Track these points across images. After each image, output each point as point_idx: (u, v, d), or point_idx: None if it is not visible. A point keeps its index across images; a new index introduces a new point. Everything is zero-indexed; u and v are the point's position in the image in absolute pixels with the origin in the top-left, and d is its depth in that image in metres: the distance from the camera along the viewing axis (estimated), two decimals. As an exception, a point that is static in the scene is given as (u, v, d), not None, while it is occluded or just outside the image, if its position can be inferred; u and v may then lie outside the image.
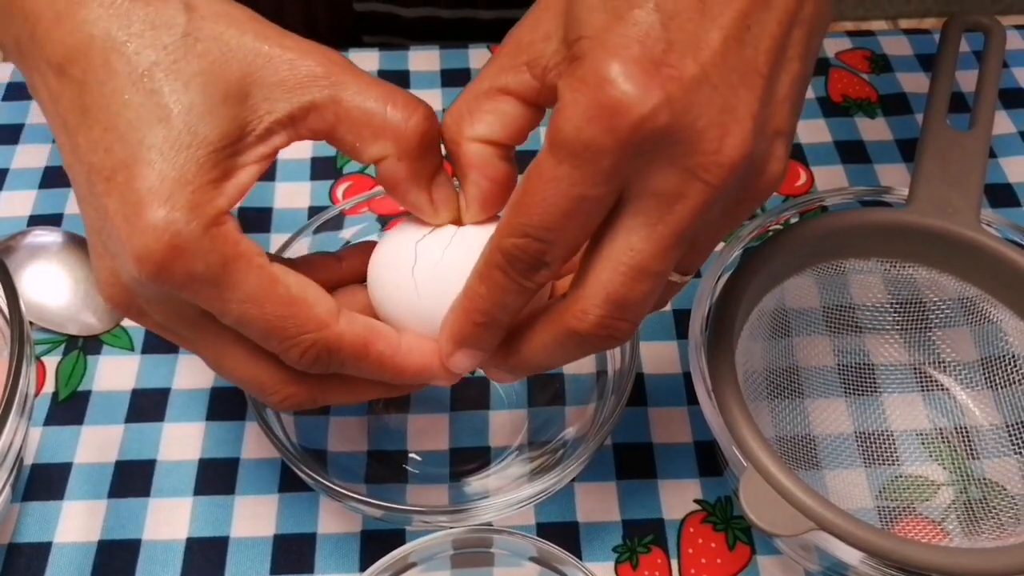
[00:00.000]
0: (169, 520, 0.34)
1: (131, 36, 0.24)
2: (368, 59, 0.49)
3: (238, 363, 0.26)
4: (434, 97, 0.48)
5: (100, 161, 0.23)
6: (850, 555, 0.28)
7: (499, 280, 0.24)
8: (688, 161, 0.21)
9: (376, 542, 0.34)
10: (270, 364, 0.26)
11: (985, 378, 0.37)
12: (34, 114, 0.47)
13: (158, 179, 0.23)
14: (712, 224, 0.23)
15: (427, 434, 0.37)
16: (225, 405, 0.37)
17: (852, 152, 0.46)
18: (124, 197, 0.23)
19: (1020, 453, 0.35)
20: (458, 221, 0.27)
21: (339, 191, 0.45)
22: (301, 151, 0.46)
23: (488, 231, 0.25)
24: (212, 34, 0.24)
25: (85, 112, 0.24)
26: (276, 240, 0.42)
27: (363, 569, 0.33)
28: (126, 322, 0.40)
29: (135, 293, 0.25)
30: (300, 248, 0.36)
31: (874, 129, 0.47)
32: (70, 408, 0.37)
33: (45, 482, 0.35)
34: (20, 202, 0.44)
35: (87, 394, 0.38)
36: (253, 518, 0.34)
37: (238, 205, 0.25)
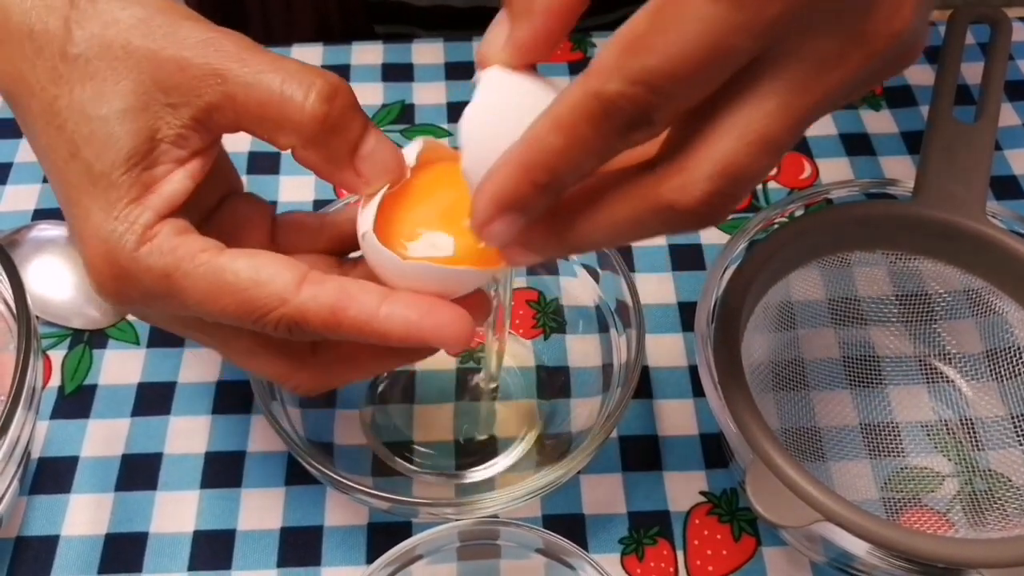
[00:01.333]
0: (176, 513, 0.34)
1: (33, 70, 0.24)
2: (372, 52, 0.49)
3: (242, 357, 0.26)
4: (439, 90, 0.48)
5: (55, 192, 0.24)
6: (856, 546, 0.28)
7: (584, 134, 0.20)
8: (860, 26, 0.19)
9: (383, 534, 0.34)
10: (271, 354, 0.26)
11: (990, 370, 0.37)
12: (38, 108, 0.47)
13: (85, 214, 0.23)
14: (842, 98, 0.20)
15: (433, 426, 0.37)
16: (231, 398, 0.37)
17: (857, 144, 0.46)
18: (72, 231, 0.24)
19: (1025, 445, 0.35)
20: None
21: (343, 184, 0.45)
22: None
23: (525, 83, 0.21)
24: (98, 48, 0.23)
25: (32, 143, 0.25)
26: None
27: (370, 561, 0.33)
28: (131, 316, 0.40)
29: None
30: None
31: (879, 121, 0.47)
32: (76, 402, 0.37)
33: (52, 475, 0.35)
34: (24, 196, 0.44)
35: (93, 388, 0.38)
36: (260, 511, 0.35)
37: (173, 210, 0.24)
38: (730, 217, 0.43)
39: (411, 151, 0.26)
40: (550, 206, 0.22)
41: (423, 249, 0.25)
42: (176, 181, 0.24)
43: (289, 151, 0.25)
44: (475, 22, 0.55)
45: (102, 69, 0.23)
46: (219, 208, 0.28)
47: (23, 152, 0.46)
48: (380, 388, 0.38)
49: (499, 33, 0.23)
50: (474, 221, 0.22)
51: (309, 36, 0.53)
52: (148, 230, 0.23)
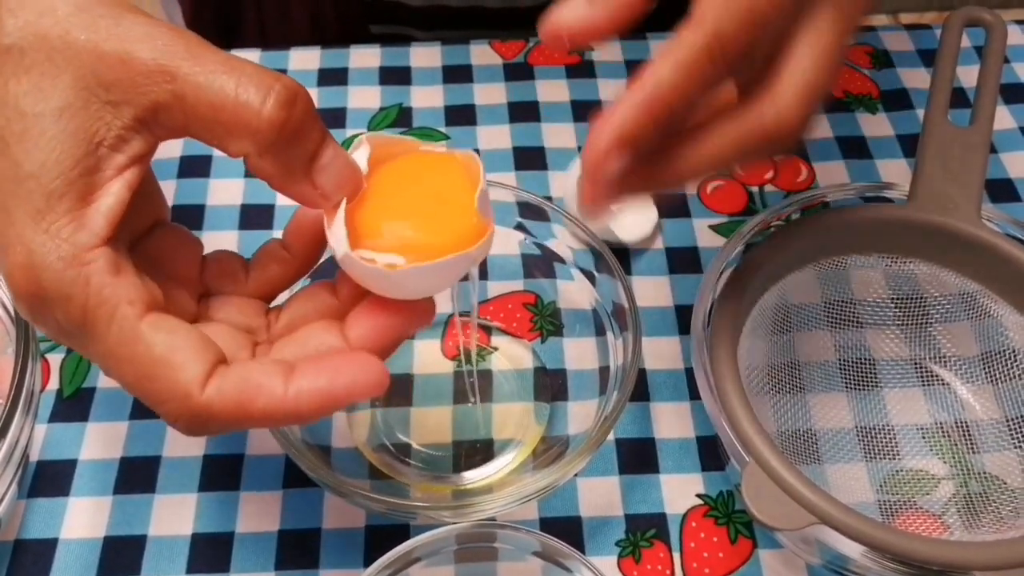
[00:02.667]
0: (174, 516, 0.35)
1: None
2: (370, 55, 0.50)
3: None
4: (436, 93, 0.48)
5: None
6: (851, 548, 0.28)
7: (704, 69, 0.24)
8: None
9: (380, 537, 0.34)
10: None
11: (985, 373, 0.37)
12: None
13: (8, 218, 0.21)
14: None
15: (430, 428, 0.37)
16: (229, 401, 0.38)
17: (853, 147, 0.46)
18: None
19: (1020, 447, 0.35)
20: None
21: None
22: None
23: None
24: (33, 38, 0.22)
25: None
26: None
27: (367, 564, 0.33)
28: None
29: None
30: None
31: (875, 124, 0.47)
32: (75, 405, 0.37)
33: (51, 478, 0.35)
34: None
35: (91, 391, 0.38)
36: (258, 514, 0.35)
37: (112, 230, 0.22)
38: (726, 220, 0.43)
39: (361, 156, 0.25)
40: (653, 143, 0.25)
41: (397, 248, 0.24)
42: (113, 193, 0.22)
43: (242, 159, 0.23)
44: (471, 22, 0.55)
45: (39, 62, 0.21)
46: (150, 234, 0.25)
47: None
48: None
49: (575, 6, 0.25)
50: (590, 159, 0.24)
51: (304, 36, 0.53)
52: (83, 253, 0.21)
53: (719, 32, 0.23)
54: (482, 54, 0.50)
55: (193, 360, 0.22)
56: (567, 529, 0.34)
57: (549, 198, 0.43)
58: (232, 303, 0.26)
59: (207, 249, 0.27)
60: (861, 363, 0.38)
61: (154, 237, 0.25)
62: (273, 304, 0.27)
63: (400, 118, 0.47)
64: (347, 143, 0.46)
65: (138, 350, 0.21)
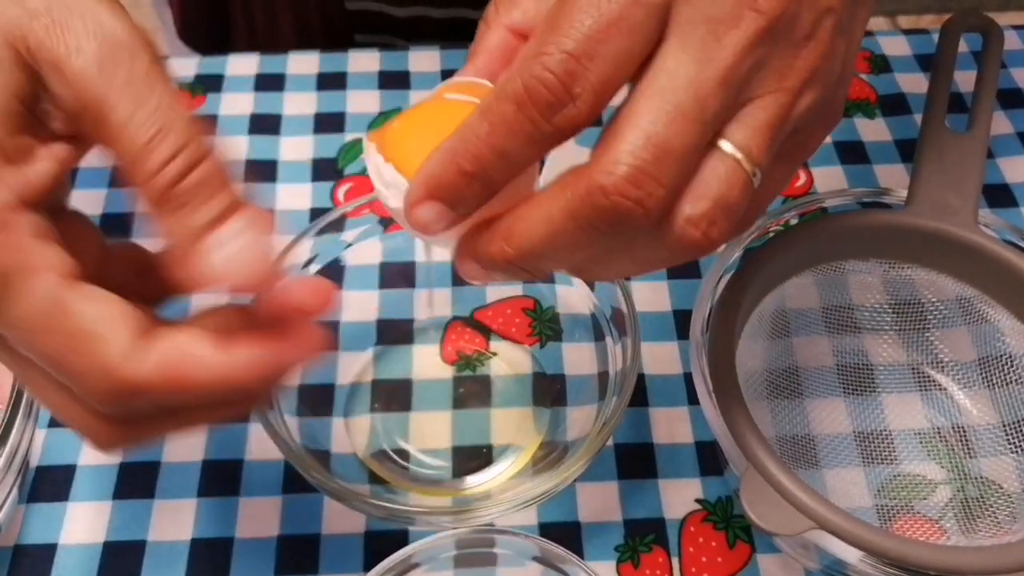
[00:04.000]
0: (174, 521, 0.35)
1: None
2: (368, 59, 0.50)
3: (40, 393, 0.21)
4: (435, 98, 0.48)
5: None
6: (849, 553, 0.29)
7: (509, 116, 0.20)
8: None
9: (379, 542, 0.34)
10: (73, 399, 0.21)
11: (982, 378, 0.37)
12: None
13: None
14: (764, 79, 0.21)
15: (429, 434, 0.37)
16: (228, 406, 0.38)
17: (851, 153, 0.46)
18: None
19: (1017, 452, 0.35)
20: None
21: (340, 193, 0.45)
22: (302, 152, 0.46)
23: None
24: None
25: None
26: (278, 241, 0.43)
27: (367, 569, 0.33)
28: None
29: None
30: (303, 251, 0.36)
31: (873, 130, 0.47)
32: (74, 410, 0.37)
33: (50, 484, 0.35)
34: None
35: (91, 395, 0.38)
36: (257, 519, 0.35)
37: (36, 196, 0.20)
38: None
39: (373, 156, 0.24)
40: (482, 204, 0.21)
41: None
42: (42, 159, 0.20)
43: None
44: (453, 32, 0.56)
45: None
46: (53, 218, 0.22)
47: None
48: (377, 396, 0.38)
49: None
50: (405, 204, 0.22)
51: (291, 46, 0.53)
52: (4, 212, 0.19)
53: (521, 73, 0.19)
54: (481, 59, 0.50)
55: (121, 331, 0.20)
56: (566, 534, 0.34)
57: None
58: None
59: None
60: (859, 368, 0.38)
61: (59, 222, 0.22)
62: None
63: (399, 123, 0.47)
64: (347, 147, 0.46)
65: (62, 321, 0.19)
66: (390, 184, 0.23)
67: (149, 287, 0.24)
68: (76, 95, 0.20)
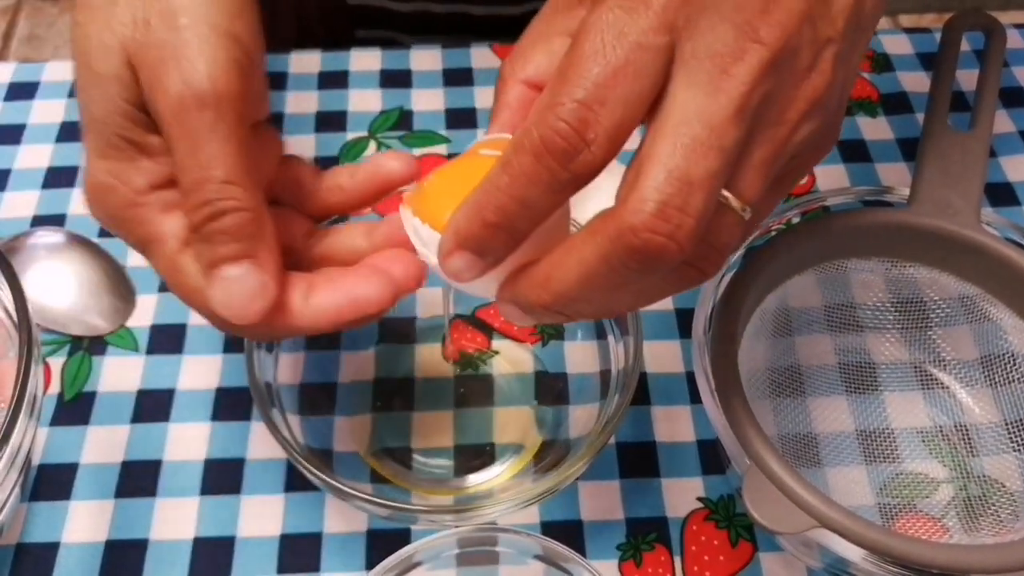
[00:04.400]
0: (176, 520, 0.35)
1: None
2: (370, 58, 0.50)
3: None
4: (437, 96, 0.48)
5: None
6: (851, 552, 0.29)
7: (527, 167, 0.20)
8: (739, 17, 0.20)
9: (382, 541, 0.34)
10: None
11: (985, 376, 0.37)
12: (36, 114, 0.47)
13: (87, 149, 0.25)
14: (767, 112, 0.21)
15: (431, 432, 0.37)
16: (230, 405, 0.38)
17: (854, 151, 0.46)
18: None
19: (1019, 451, 0.35)
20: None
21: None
22: (304, 151, 0.46)
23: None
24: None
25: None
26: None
27: (369, 568, 0.33)
28: (131, 323, 0.40)
29: None
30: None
31: (875, 128, 0.47)
32: (76, 409, 0.37)
33: (52, 482, 0.35)
34: (23, 203, 0.44)
35: (92, 395, 0.38)
36: (259, 518, 0.35)
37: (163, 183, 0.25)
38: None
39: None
40: (511, 250, 0.22)
41: None
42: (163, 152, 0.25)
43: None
44: (455, 27, 0.56)
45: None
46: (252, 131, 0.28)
47: (22, 158, 0.46)
48: (379, 395, 0.38)
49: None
50: (439, 259, 0.23)
51: (291, 41, 0.53)
52: (138, 196, 0.25)
53: (538, 124, 0.20)
54: (483, 57, 0.50)
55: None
56: (568, 533, 0.34)
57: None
58: (282, 218, 0.28)
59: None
60: (861, 367, 0.38)
61: (254, 134, 0.27)
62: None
63: (401, 121, 0.47)
64: (348, 146, 0.46)
65: (179, 278, 0.25)
66: (427, 242, 0.24)
67: (302, 202, 0.29)
68: (157, 121, 0.24)
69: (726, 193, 0.21)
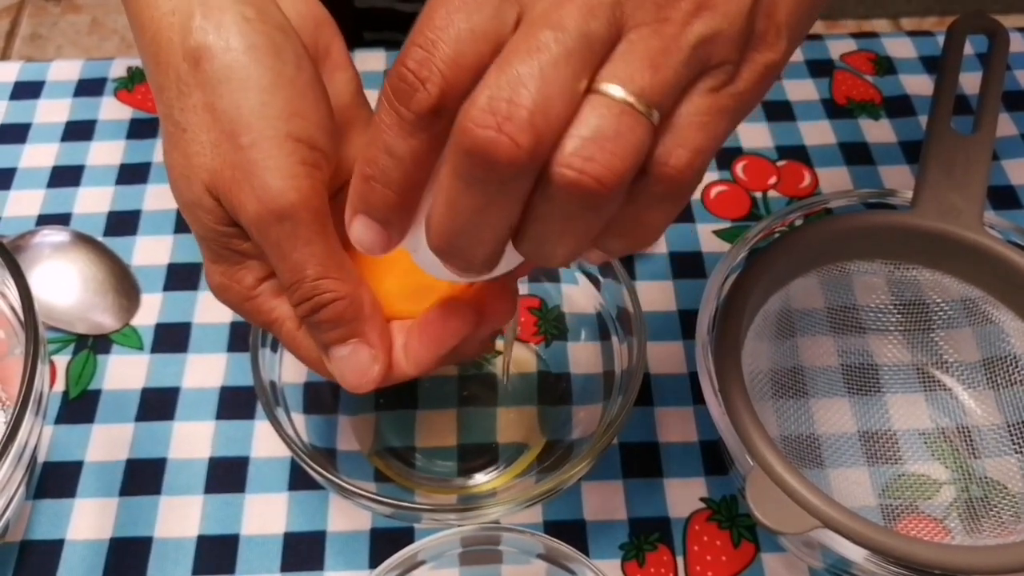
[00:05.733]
0: (180, 518, 0.35)
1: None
2: (375, 59, 0.50)
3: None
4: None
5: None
6: (854, 552, 0.29)
7: (382, 116, 0.21)
8: None
9: (385, 540, 0.34)
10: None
11: (987, 378, 0.37)
12: (41, 113, 0.48)
13: (204, 254, 0.27)
14: (636, 11, 0.20)
15: (435, 431, 0.37)
16: (235, 404, 0.38)
17: (856, 154, 0.46)
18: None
19: (1021, 452, 0.35)
20: None
21: (346, 191, 0.45)
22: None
23: None
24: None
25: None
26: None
27: (372, 567, 0.33)
28: (136, 321, 0.40)
29: None
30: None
31: (878, 131, 0.47)
32: (81, 407, 0.38)
33: (57, 480, 0.36)
34: (28, 201, 0.44)
35: (97, 393, 0.38)
36: (263, 516, 0.35)
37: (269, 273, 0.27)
38: (729, 225, 0.43)
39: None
40: (395, 204, 0.22)
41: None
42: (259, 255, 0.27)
43: None
44: None
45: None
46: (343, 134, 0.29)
47: (27, 157, 0.46)
48: (383, 394, 0.38)
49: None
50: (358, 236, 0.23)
51: None
52: (250, 291, 0.27)
53: (393, 74, 0.20)
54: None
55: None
56: (571, 532, 0.34)
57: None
58: None
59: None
60: (864, 368, 0.38)
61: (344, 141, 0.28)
62: None
63: (405, 122, 0.47)
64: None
65: (302, 352, 0.27)
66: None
67: None
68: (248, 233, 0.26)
69: (611, 88, 0.20)
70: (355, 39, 0.57)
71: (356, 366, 0.26)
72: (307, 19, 0.28)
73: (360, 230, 0.23)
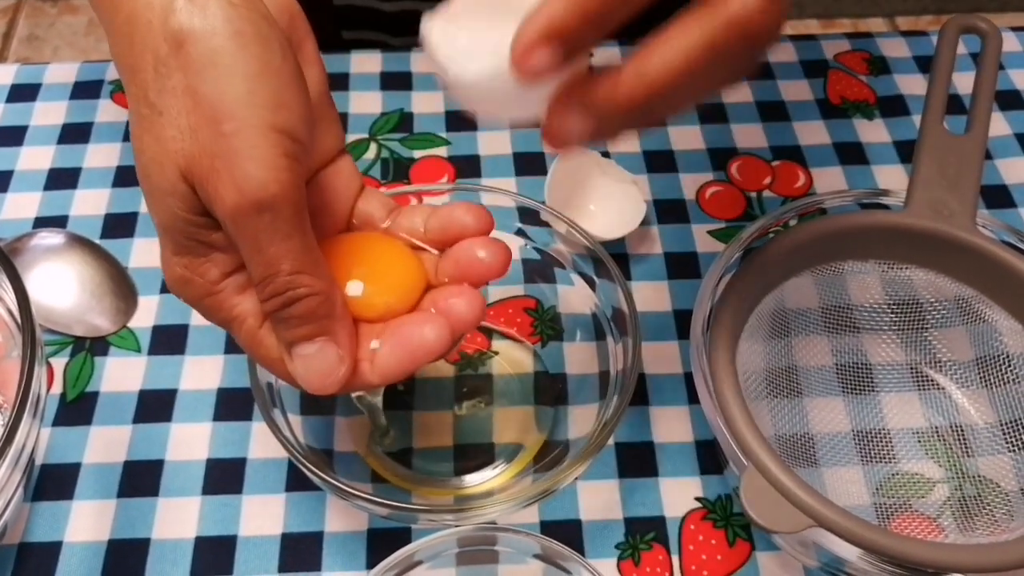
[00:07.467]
0: (178, 519, 0.35)
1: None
2: (371, 60, 0.50)
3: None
4: (437, 99, 0.48)
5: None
6: (848, 551, 0.29)
7: None
8: None
9: (382, 540, 0.34)
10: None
11: (980, 377, 0.37)
12: (38, 116, 0.48)
13: (161, 245, 0.26)
14: None
15: (432, 432, 0.37)
16: (232, 405, 0.38)
17: (850, 154, 0.47)
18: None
19: (1014, 451, 0.35)
20: None
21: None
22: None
23: None
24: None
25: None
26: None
27: (370, 567, 0.33)
28: (133, 323, 0.40)
29: None
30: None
31: (872, 131, 0.48)
32: (78, 409, 0.38)
33: (55, 482, 0.36)
34: (25, 204, 0.44)
35: (95, 395, 0.38)
36: (261, 517, 0.35)
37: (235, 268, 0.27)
38: (724, 225, 0.44)
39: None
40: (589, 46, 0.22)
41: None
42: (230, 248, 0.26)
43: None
44: None
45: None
46: (330, 165, 0.29)
47: (24, 159, 0.46)
48: (380, 395, 0.38)
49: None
50: (515, 54, 0.22)
51: None
52: (213, 286, 0.26)
53: None
54: (482, 60, 0.50)
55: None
56: (567, 532, 0.35)
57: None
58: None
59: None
60: (858, 367, 0.38)
61: (328, 173, 0.29)
62: None
63: (401, 123, 0.47)
64: (349, 148, 0.47)
65: (261, 351, 0.27)
66: (463, 51, 0.23)
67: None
68: (221, 224, 0.25)
69: None
70: (333, 39, 0.56)
71: (321, 366, 0.26)
72: (283, 12, 0.28)
73: (543, 57, 0.21)
